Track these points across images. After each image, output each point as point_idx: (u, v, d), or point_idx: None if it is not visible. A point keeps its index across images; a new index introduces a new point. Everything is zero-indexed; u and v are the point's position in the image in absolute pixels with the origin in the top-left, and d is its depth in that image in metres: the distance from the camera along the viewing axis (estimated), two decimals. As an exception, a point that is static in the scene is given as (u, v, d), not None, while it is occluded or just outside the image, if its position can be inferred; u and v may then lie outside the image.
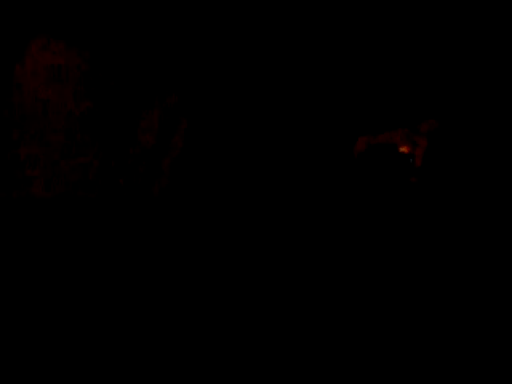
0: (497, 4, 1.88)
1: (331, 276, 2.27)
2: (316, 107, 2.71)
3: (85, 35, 2.14)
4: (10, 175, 2.20)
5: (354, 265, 2.40)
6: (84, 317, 1.88)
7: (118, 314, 1.92)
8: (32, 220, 2.23)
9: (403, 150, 2.65)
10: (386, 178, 2.63)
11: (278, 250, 2.46)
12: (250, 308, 2.05)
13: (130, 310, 1.95)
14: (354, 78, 2.52)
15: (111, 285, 2.18)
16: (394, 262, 2.40)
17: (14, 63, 2.00)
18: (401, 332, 1.88)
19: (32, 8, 1.92)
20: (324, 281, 2.19)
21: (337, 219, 2.62)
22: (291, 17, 2.01)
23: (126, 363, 1.68)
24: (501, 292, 2.01)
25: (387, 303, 2.06)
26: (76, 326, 1.81)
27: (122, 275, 2.30)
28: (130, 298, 2.07)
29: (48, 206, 2.28)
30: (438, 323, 1.93)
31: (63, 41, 2.13)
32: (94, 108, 2.36)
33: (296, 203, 2.67)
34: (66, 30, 2.07)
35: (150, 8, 1.97)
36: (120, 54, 2.33)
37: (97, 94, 2.29)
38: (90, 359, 1.69)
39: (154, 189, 2.61)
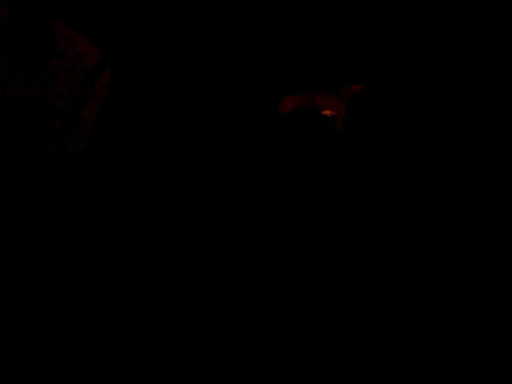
0: None
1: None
2: (238, 64, 2.71)
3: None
4: None
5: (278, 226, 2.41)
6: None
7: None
8: None
9: (326, 113, 2.68)
10: (310, 141, 2.67)
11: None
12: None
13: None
14: (277, 36, 2.53)
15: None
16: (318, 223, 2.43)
17: None
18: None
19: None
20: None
21: (261, 182, 2.61)
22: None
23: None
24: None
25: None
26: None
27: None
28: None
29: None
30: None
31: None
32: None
33: (217, 161, 2.66)
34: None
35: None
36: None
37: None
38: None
39: (70, 143, 2.55)
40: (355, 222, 2.34)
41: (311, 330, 1.89)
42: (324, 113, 2.75)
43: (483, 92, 2.18)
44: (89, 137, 2.57)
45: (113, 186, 2.55)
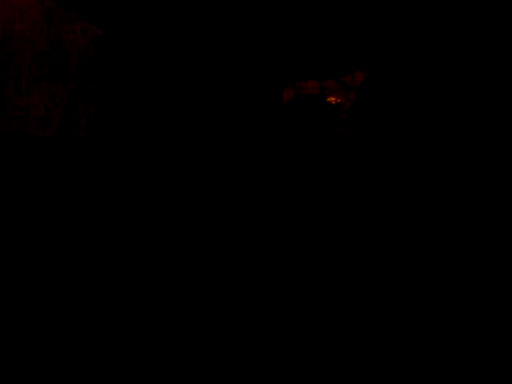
0: None
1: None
2: (241, 52, 2.65)
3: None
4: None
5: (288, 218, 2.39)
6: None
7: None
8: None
9: (331, 99, 2.62)
10: (315, 128, 2.62)
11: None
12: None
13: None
14: (281, 23, 2.47)
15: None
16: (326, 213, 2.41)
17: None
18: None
19: None
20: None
21: (266, 171, 2.58)
22: None
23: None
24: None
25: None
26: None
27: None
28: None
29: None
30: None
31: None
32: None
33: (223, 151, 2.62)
34: None
35: None
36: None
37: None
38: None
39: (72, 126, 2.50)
40: (362, 214, 2.32)
41: (311, 329, 1.90)
42: (328, 100, 2.69)
43: (493, 77, 2.12)
44: (91, 121, 2.53)
45: (115, 173, 2.52)
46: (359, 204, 2.32)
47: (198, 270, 2.25)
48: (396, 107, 2.39)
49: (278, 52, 2.59)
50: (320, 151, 2.52)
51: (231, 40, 2.49)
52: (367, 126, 2.46)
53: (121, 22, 2.44)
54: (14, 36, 2.40)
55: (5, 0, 2.35)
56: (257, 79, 2.62)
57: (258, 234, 2.34)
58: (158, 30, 2.45)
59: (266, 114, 2.64)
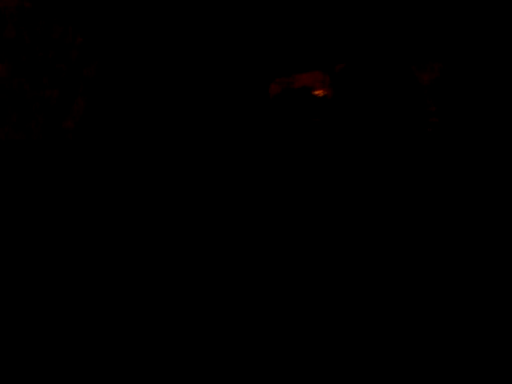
0: None
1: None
2: (225, 46, 2.66)
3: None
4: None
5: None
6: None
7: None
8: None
9: (318, 93, 2.65)
10: (301, 122, 2.65)
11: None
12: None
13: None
14: (264, 16, 2.47)
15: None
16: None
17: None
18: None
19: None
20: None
21: (253, 166, 2.58)
22: None
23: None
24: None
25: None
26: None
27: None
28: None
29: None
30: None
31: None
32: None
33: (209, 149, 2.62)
34: None
35: None
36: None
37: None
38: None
39: (65, 124, 2.44)
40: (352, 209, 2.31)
41: (311, 330, 1.90)
42: (315, 93, 2.71)
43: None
44: (76, 132, 2.50)
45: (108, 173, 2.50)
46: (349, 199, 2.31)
47: (198, 269, 2.24)
48: (373, 98, 2.40)
49: (263, 46, 2.59)
50: (307, 144, 2.53)
51: (216, 34, 2.49)
52: (341, 117, 2.47)
53: (106, 30, 2.43)
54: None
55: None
56: (242, 74, 2.63)
57: (252, 232, 2.34)
58: (143, 26, 2.44)
59: (252, 110, 2.64)
